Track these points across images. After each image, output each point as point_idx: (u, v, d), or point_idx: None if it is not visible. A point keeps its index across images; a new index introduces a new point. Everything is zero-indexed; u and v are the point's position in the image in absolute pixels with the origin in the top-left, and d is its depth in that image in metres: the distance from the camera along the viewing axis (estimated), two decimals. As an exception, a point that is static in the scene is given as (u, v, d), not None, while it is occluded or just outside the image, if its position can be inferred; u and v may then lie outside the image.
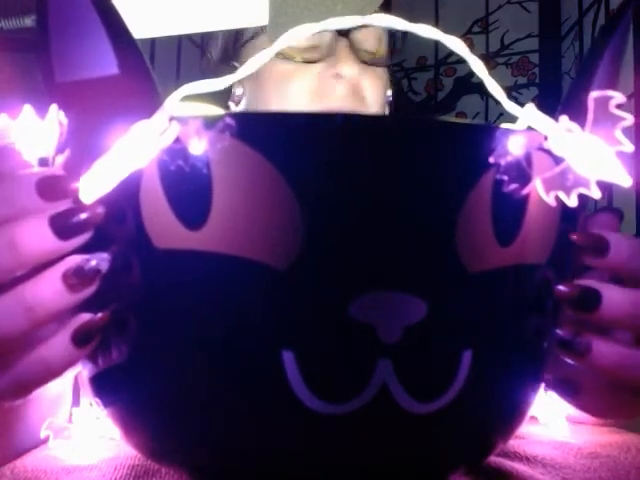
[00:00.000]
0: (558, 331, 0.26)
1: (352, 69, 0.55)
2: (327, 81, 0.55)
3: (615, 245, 0.25)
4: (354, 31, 0.56)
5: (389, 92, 0.66)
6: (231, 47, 0.60)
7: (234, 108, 0.60)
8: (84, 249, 0.25)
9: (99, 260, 0.23)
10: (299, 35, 0.22)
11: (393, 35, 0.62)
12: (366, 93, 0.57)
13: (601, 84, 0.27)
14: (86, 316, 0.24)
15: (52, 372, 0.24)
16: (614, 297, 0.25)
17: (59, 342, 0.24)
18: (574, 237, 0.25)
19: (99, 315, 0.24)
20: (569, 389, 0.28)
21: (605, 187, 0.22)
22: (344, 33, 0.55)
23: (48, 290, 0.23)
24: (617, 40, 0.27)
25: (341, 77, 0.55)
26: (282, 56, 0.54)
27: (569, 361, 0.26)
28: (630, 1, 0.27)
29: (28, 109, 0.27)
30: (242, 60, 0.60)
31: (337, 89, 0.55)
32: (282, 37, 0.22)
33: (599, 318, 0.25)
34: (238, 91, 0.59)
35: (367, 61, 0.58)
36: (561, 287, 0.25)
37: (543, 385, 0.28)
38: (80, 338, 0.24)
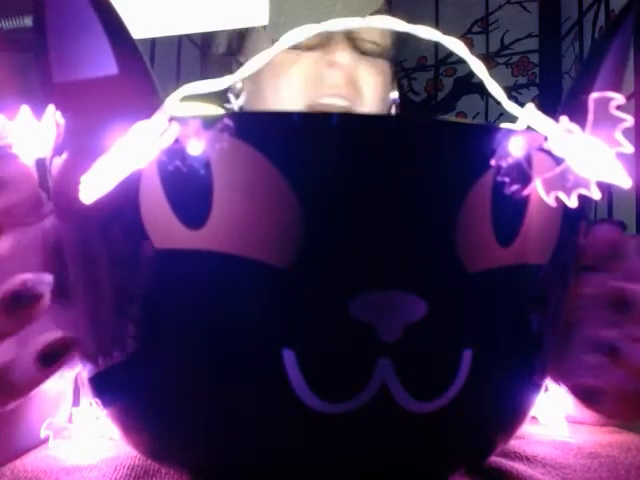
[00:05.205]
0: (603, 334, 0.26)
1: (346, 57, 0.54)
2: (322, 69, 0.54)
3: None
4: None
5: (395, 93, 0.65)
6: (236, 39, 0.60)
7: (234, 101, 0.60)
8: (84, 250, 0.25)
9: (38, 284, 0.23)
10: (299, 36, 0.22)
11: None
12: (363, 85, 0.56)
13: (604, 86, 0.26)
14: (52, 335, 0.24)
15: (16, 392, 0.24)
16: None
17: (24, 361, 0.23)
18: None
19: (67, 335, 0.24)
20: (592, 396, 0.28)
21: (605, 188, 0.22)
22: None
23: None
24: (620, 42, 0.27)
25: (335, 65, 0.54)
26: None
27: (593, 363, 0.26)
28: (634, 2, 0.27)
29: (25, 110, 0.26)
30: (246, 52, 0.60)
31: (332, 77, 0.54)
32: (283, 38, 0.22)
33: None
34: (238, 84, 0.59)
35: (367, 50, 0.57)
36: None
37: (567, 391, 0.28)
38: (46, 358, 0.23)
